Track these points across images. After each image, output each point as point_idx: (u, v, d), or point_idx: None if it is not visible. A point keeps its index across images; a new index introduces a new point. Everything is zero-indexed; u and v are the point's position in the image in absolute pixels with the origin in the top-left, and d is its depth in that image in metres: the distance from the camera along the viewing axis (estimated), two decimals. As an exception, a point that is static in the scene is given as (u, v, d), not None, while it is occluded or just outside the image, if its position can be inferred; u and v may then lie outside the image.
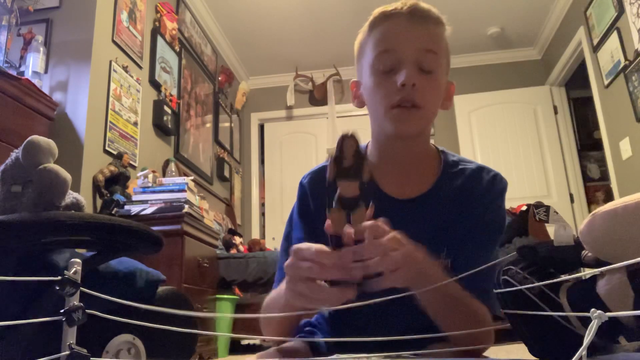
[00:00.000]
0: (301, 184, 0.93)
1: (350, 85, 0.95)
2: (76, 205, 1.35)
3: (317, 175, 0.91)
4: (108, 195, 2.63)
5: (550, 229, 3.15)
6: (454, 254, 0.84)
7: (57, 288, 0.40)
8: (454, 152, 0.95)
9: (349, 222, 0.59)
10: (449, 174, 0.88)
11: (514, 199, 4.24)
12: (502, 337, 0.83)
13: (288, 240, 0.91)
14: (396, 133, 0.84)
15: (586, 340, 0.34)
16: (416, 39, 0.82)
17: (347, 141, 0.57)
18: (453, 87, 0.91)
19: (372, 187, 0.86)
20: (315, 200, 0.89)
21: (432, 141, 0.94)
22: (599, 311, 0.34)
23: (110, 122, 2.78)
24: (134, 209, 2.62)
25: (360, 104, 0.92)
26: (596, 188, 5.24)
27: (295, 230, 0.90)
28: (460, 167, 0.89)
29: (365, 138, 0.91)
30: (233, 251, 3.82)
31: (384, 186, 0.88)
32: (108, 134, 2.75)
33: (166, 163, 3.48)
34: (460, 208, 0.85)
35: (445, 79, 0.87)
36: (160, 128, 3.43)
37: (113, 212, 2.56)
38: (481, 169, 0.89)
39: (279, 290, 0.75)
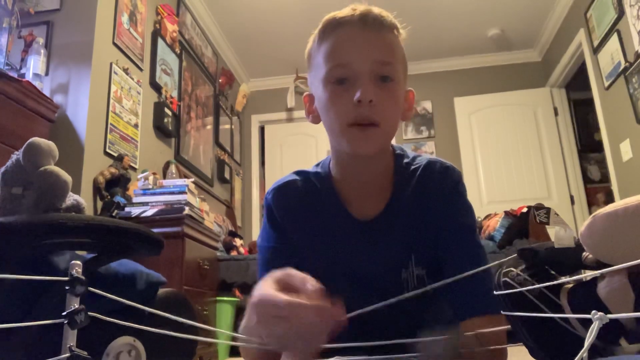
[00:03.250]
0: (266, 199, 0.91)
1: (303, 99, 0.91)
2: (77, 207, 1.35)
3: (280, 191, 0.90)
4: (108, 197, 2.63)
5: (551, 231, 3.15)
6: (427, 262, 0.81)
7: (67, 288, 0.40)
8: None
9: None
10: (403, 178, 0.85)
11: (515, 201, 4.25)
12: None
13: (264, 252, 0.89)
14: (354, 153, 0.79)
15: (587, 342, 0.34)
16: (371, 50, 0.76)
17: None
18: (412, 95, 0.86)
19: (338, 207, 0.84)
20: (282, 214, 0.88)
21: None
22: (600, 313, 0.34)
23: (111, 124, 2.79)
24: (135, 211, 2.62)
25: (316, 120, 0.86)
26: (597, 190, 5.23)
27: (270, 241, 0.88)
28: (412, 167, 0.86)
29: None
30: (233, 253, 3.82)
31: (348, 205, 0.85)
32: (108, 136, 2.75)
33: (166, 165, 3.49)
34: (420, 211, 0.82)
35: (404, 87, 0.82)
36: (160, 130, 3.43)
37: (113, 214, 2.56)
38: (432, 164, 0.85)
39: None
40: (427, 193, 0.82)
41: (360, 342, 0.71)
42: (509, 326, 0.60)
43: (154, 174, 2.96)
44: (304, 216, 0.87)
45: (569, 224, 4.38)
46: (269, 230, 0.89)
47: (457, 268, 0.73)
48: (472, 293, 0.74)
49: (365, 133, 0.75)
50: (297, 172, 0.93)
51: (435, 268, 0.80)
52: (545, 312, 0.51)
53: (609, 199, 4.73)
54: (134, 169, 2.99)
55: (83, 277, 0.41)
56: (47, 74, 2.64)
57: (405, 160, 0.87)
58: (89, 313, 0.42)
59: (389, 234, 0.82)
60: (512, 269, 0.56)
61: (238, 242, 4.01)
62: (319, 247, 0.86)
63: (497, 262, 0.65)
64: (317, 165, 0.93)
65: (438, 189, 0.82)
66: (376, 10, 0.78)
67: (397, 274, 0.81)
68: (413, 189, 0.83)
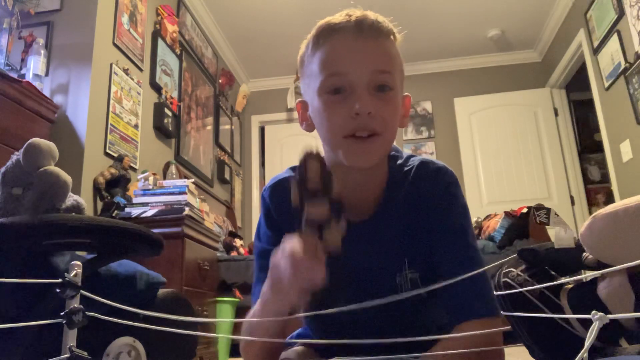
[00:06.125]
0: (263, 197, 0.87)
1: (296, 106, 0.87)
2: (77, 208, 1.35)
3: (277, 188, 0.86)
4: (109, 197, 2.63)
5: (551, 232, 3.15)
6: (422, 266, 0.79)
7: (58, 291, 0.40)
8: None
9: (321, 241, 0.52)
10: (396, 180, 0.82)
11: (515, 202, 4.25)
12: (503, 340, 0.82)
13: (260, 256, 0.86)
14: (351, 166, 0.75)
15: (587, 343, 0.34)
16: (369, 59, 0.73)
17: (311, 162, 0.50)
18: (409, 100, 0.83)
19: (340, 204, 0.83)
20: (279, 212, 0.84)
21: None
22: (600, 313, 0.34)
23: (111, 124, 2.79)
24: (135, 211, 2.63)
25: (310, 128, 0.82)
26: (597, 190, 5.23)
27: (266, 243, 0.85)
28: (405, 169, 0.83)
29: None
30: (233, 253, 3.82)
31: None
32: (109, 137, 2.75)
33: (167, 165, 3.49)
34: (413, 214, 0.80)
35: (401, 94, 0.79)
36: (160, 130, 3.43)
37: (114, 214, 2.56)
38: (424, 165, 0.83)
39: (260, 310, 0.71)
40: (419, 195, 0.80)
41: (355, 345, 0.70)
42: (505, 328, 0.60)
43: (154, 174, 2.97)
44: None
45: (569, 225, 4.38)
46: (265, 230, 0.86)
47: (450, 272, 0.72)
48: (465, 297, 0.73)
49: (364, 145, 0.73)
50: (293, 168, 0.89)
51: (430, 272, 0.79)
52: (545, 313, 0.51)
53: (609, 199, 4.73)
54: (134, 170, 2.99)
55: (76, 281, 0.41)
56: (47, 74, 2.64)
57: (399, 162, 0.85)
58: (89, 313, 0.42)
59: (381, 236, 0.81)
60: (512, 269, 0.56)
61: (238, 242, 4.01)
62: None
63: (496, 263, 0.65)
64: None
65: (430, 192, 0.80)
66: (372, 15, 0.75)
67: (392, 278, 0.80)
68: (406, 192, 0.81)
